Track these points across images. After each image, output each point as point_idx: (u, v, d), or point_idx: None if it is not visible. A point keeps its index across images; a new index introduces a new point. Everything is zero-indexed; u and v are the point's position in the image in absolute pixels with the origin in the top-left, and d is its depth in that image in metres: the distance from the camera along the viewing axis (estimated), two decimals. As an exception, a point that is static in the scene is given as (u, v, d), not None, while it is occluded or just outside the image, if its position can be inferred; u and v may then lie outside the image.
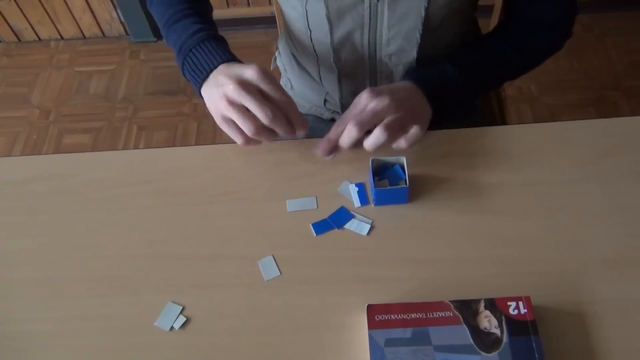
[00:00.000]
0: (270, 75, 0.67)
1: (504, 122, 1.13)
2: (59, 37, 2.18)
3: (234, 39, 2.32)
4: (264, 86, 0.66)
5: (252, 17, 2.07)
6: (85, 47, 2.16)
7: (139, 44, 2.14)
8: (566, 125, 0.76)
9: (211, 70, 0.70)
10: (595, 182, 0.70)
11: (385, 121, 0.66)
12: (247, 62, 0.71)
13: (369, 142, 0.66)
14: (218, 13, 2.08)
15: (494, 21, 1.14)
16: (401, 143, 0.67)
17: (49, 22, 2.12)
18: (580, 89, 1.88)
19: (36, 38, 2.18)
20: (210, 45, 0.73)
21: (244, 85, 0.65)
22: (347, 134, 0.66)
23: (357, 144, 0.67)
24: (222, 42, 0.75)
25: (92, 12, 2.08)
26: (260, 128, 0.66)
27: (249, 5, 2.04)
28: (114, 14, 2.09)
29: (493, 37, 0.84)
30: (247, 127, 0.66)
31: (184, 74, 0.75)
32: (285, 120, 0.67)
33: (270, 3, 2.04)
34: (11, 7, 2.05)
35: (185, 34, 0.75)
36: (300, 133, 0.69)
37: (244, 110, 0.66)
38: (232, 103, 0.66)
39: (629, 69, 1.92)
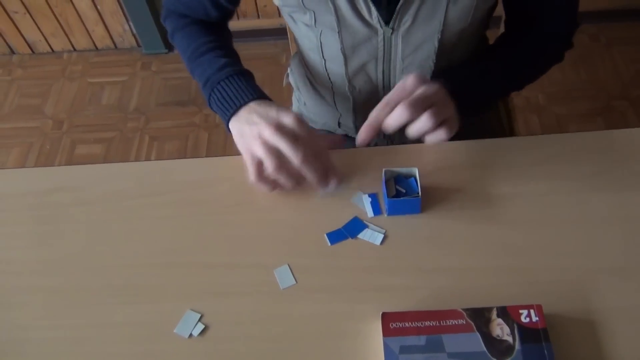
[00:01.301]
0: (306, 123, 0.69)
1: (512, 132, 1.14)
2: (71, 48, 2.21)
3: (243, 50, 2.34)
4: (301, 132, 0.67)
5: (262, 28, 2.09)
6: (97, 58, 2.20)
7: (150, 56, 2.17)
8: (574, 137, 0.77)
9: (241, 106, 0.72)
10: (604, 192, 0.71)
11: (433, 108, 0.65)
12: (264, 86, 0.72)
13: (415, 128, 0.65)
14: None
15: (502, 31, 1.15)
16: (440, 134, 0.66)
17: (62, 34, 2.15)
18: (588, 98, 1.89)
19: (49, 50, 2.22)
20: (239, 81, 0.74)
21: (281, 129, 0.66)
22: (397, 116, 0.64)
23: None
24: (250, 78, 0.76)
25: (104, 24, 2.12)
26: (284, 168, 0.67)
27: (258, 17, 2.07)
28: (126, 26, 2.12)
29: (500, 47, 0.85)
30: (270, 163, 0.67)
31: (210, 105, 0.77)
32: (316, 167, 0.68)
33: (280, 15, 2.06)
34: (26, 20, 2.09)
35: (212, 67, 0.77)
36: (332, 184, 0.71)
37: (274, 151, 0.67)
38: (266, 144, 0.67)
39: (636, 78, 1.93)
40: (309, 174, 0.68)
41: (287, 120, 0.68)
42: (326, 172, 0.70)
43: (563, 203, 0.70)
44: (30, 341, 0.64)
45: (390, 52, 0.79)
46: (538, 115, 1.86)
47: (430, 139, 0.66)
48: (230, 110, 0.72)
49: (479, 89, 0.78)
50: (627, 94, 1.89)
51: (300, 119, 0.68)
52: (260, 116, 0.69)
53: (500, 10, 1.09)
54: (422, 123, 0.64)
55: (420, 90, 0.66)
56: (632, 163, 0.74)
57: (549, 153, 0.75)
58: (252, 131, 0.68)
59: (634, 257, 0.65)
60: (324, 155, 0.71)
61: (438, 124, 0.65)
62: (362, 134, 0.67)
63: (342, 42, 0.77)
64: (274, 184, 0.71)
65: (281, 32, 0.87)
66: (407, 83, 0.67)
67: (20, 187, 0.78)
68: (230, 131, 0.73)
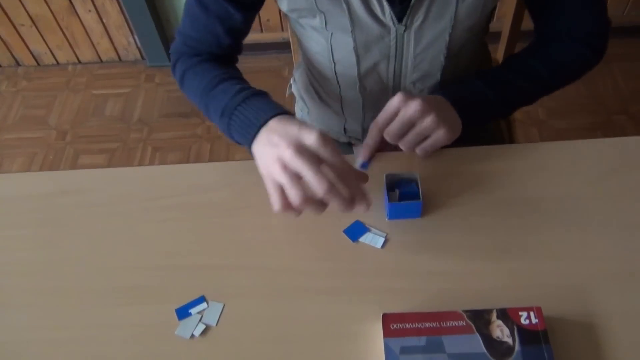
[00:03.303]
0: (331, 141, 0.61)
1: (512, 143, 1.15)
2: (76, 61, 2.24)
3: (246, 63, 2.36)
4: (325, 153, 0.60)
5: (265, 42, 2.12)
6: (101, 70, 2.22)
7: (154, 68, 2.20)
8: (573, 144, 0.79)
9: (261, 127, 0.66)
10: (603, 199, 0.72)
11: (410, 135, 0.71)
12: (276, 98, 0.72)
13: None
14: (232, 38, 2.15)
15: (501, 47, 1.18)
16: (418, 152, 0.72)
17: (68, 47, 2.18)
18: (588, 113, 1.90)
19: (54, 62, 2.25)
20: (256, 101, 0.70)
21: (302, 151, 0.59)
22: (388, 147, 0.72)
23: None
24: (266, 96, 0.72)
25: (109, 37, 2.14)
26: (308, 199, 0.60)
27: (262, 31, 2.10)
28: (131, 39, 2.15)
29: (523, 54, 0.85)
30: (294, 195, 0.60)
31: (232, 136, 0.71)
32: (342, 193, 0.60)
33: (282, 29, 2.09)
34: (32, 32, 2.12)
35: (227, 96, 0.72)
36: (362, 209, 0.62)
37: (297, 178, 0.60)
38: (287, 169, 0.60)
39: (635, 94, 1.95)
40: (335, 203, 0.61)
41: (310, 139, 0.60)
42: (353, 196, 0.62)
43: (562, 209, 0.71)
44: (32, 342, 0.65)
45: (402, 50, 0.79)
46: (538, 128, 1.87)
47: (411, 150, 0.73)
48: (251, 134, 0.66)
49: (491, 95, 0.78)
50: (626, 108, 1.91)
51: (324, 136, 0.60)
52: (280, 136, 0.62)
53: (498, 27, 1.11)
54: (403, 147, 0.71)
55: (400, 114, 0.70)
56: (630, 171, 0.74)
57: (549, 160, 0.76)
58: (272, 153, 0.62)
59: (631, 262, 0.66)
60: (350, 176, 0.62)
61: (417, 143, 0.72)
62: (361, 156, 0.74)
63: (355, 42, 0.78)
64: (301, 210, 0.64)
65: (284, 46, 0.88)
66: (392, 103, 0.70)
67: (24, 191, 0.79)
68: (253, 155, 0.68)
